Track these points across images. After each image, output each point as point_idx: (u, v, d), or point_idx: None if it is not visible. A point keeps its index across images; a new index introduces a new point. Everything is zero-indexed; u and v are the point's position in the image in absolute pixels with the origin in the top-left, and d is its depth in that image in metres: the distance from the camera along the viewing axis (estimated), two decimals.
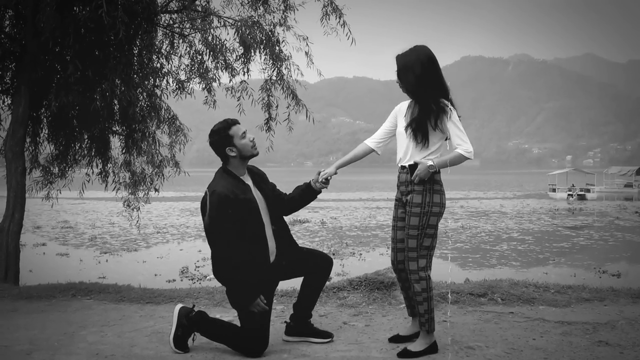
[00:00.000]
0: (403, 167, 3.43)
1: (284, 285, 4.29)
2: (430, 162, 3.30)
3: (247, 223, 3.39)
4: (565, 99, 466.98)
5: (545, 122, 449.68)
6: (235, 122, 3.52)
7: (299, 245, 3.77)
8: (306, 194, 3.69)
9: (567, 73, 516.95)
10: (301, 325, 3.71)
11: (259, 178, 3.65)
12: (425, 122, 3.30)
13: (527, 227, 23.50)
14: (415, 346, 3.39)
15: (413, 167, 3.36)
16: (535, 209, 32.90)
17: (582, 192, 44.15)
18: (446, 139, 3.38)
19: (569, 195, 43.94)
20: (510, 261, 15.45)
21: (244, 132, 3.49)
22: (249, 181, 3.56)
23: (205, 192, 3.39)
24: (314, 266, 3.65)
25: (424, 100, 3.31)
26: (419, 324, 3.43)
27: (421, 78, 3.28)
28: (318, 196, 3.76)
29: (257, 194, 3.54)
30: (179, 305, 3.64)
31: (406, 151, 3.41)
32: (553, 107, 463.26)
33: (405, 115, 3.47)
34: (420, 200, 3.32)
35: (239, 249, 3.34)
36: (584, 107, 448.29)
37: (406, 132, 3.37)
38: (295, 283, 4.15)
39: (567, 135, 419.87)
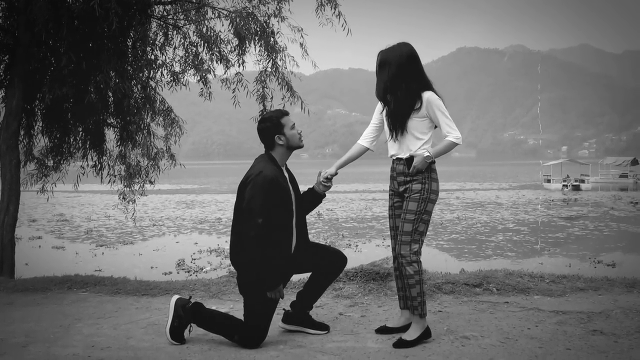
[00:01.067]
0: (399, 159, 3.50)
1: None
2: (427, 153, 3.40)
3: (281, 212, 3.44)
4: (561, 89, 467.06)
5: (540, 113, 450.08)
6: (287, 113, 3.66)
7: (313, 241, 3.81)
8: (311, 199, 3.77)
9: (562, 64, 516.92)
10: (300, 315, 3.73)
11: (291, 175, 3.72)
12: (403, 115, 3.42)
13: (522, 218, 23.57)
14: (409, 334, 3.42)
15: (410, 159, 3.44)
16: (531, 200, 32.98)
17: (577, 183, 44.25)
18: (435, 127, 3.50)
19: (563, 185, 44.03)
20: (506, 252, 15.50)
21: (294, 124, 3.61)
22: (286, 174, 3.63)
23: (249, 173, 3.44)
24: (328, 263, 3.70)
25: (401, 94, 3.40)
26: (411, 309, 3.47)
27: (400, 72, 3.38)
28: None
29: (291, 188, 3.59)
30: (176, 297, 3.64)
31: (396, 143, 3.50)
32: (548, 98, 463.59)
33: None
34: (420, 188, 3.42)
35: (270, 234, 3.36)
36: (579, 98, 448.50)
37: (394, 128, 3.47)
38: (295, 275, 4.16)
39: (562, 126, 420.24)
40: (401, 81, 3.39)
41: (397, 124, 3.44)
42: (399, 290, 3.68)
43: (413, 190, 3.42)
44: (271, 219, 3.35)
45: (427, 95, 3.40)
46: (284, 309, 3.84)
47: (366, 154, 3.81)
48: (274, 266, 3.37)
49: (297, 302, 3.76)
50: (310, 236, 3.85)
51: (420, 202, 3.41)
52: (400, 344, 3.37)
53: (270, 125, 3.55)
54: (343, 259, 3.73)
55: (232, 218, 3.56)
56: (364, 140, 3.74)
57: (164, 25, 7.62)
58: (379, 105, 3.66)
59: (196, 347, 3.47)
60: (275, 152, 3.58)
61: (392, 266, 3.70)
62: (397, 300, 3.77)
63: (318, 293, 3.76)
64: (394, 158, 3.54)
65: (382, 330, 3.64)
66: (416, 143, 3.44)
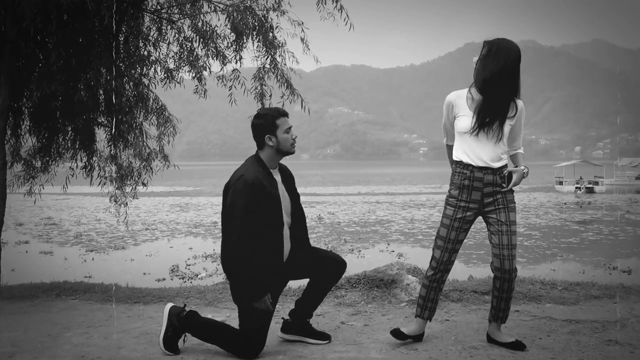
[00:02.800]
0: (486, 168, 3.38)
1: None
2: (525, 169, 3.45)
3: (267, 218, 3.41)
4: (574, 87, 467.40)
5: (552, 112, 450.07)
6: (285, 114, 3.58)
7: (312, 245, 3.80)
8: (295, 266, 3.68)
9: (575, 60, 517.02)
10: (299, 324, 3.73)
11: (288, 178, 3.69)
12: (502, 113, 3.36)
13: (533, 222, 23.56)
14: (509, 338, 3.52)
15: (509, 175, 3.42)
16: (542, 203, 32.98)
17: (591, 185, 44.24)
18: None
19: (576, 188, 44.02)
20: (516, 257, 15.49)
21: (290, 127, 3.55)
22: (277, 177, 3.58)
23: (232, 177, 3.42)
24: (326, 269, 3.68)
25: (505, 91, 3.33)
26: (502, 320, 3.53)
27: (511, 68, 3.31)
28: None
29: (283, 192, 3.57)
30: (169, 305, 3.63)
31: (485, 149, 3.38)
32: (561, 96, 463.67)
33: (474, 109, 3.39)
34: (512, 197, 3.46)
35: (255, 241, 3.34)
36: (593, 96, 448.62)
37: (484, 129, 3.35)
38: (294, 282, 4.16)
39: (575, 126, 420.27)
40: (510, 78, 3.31)
41: (494, 122, 3.33)
42: (428, 300, 3.56)
43: (509, 200, 3.43)
44: (253, 225, 3.33)
45: (521, 104, 3.42)
46: (282, 318, 3.84)
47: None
48: (259, 275, 3.35)
49: (296, 311, 3.76)
50: (310, 241, 3.83)
51: (516, 212, 3.48)
52: (520, 346, 3.43)
53: (264, 123, 3.50)
54: (342, 264, 3.72)
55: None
56: (452, 141, 3.60)
57: (158, 19, 7.62)
58: (452, 101, 3.49)
59: (191, 358, 3.47)
60: (264, 153, 3.53)
61: (427, 277, 3.56)
62: (402, 309, 3.76)
63: (317, 300, 3.76)
64: (481, 166, 3.38)
65: (397, 333, 3.57)
66: (504, 151, 3.42)
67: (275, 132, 3.49)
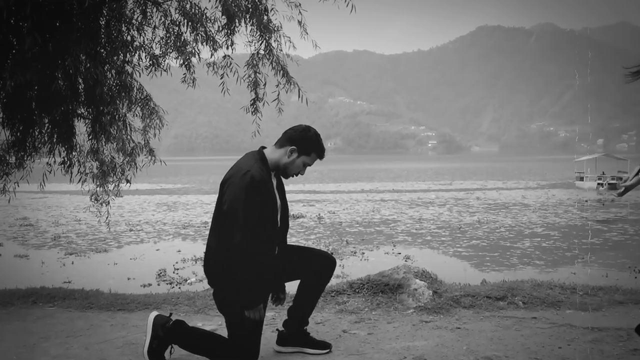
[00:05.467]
0: None
1: None
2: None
3: (267, 218, 3.44)
4: (596, 74, 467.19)
5: (573, 101, 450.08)
6: (322, 157, 3.69)
7: (295, 244, 3.81)
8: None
9: (598, 45, 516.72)
10: (296, 334, 3.73)
11: (281, 184, 3.75)
12: None
13: (552, 221, 23.57)
14: None
15: None
16: (562, 201, 33.00)
17: (614, 181, 44.20)
18: None
19: (598, 184, 44.05)
20: (534, 260, 15.50)
21: (309, 165, 3.67)
22: (274, 180, 3.64)
23: (233, 171, 3.43)
24: (315, 267, 3.69)
25: None
26: None
27: None
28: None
29: (277, 195, 3.61)
30: (154, 314, 3.63)
31: None
32: (582, 84, 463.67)
33: None
34: None
35: (255, 242, 3.35)
36: (617, 84, 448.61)
37: None
38: (290, 287, 4.15)
39: (598, 116, 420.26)
40: None
41: None
42: None
43: None
44: (256, 225, 3.34)
45: None
46: (277, 329, 3.84)
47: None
48: (258, 280, 3.34)
49: (289, 320, 3.76)
50: (309, 243, 3.85)
51: None
52: None
53: (306, 140, 3.58)
54: (330, 261, 3.74)
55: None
56: None
57: (142, 1, 7.60)
58: None
59: None
60: (274, 153, 3.57)
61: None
62: (409, 316, 3.77)
63: (311, 305, 3.77)
64: None
65: None
66: None
67: (300, 155, 3.57)
